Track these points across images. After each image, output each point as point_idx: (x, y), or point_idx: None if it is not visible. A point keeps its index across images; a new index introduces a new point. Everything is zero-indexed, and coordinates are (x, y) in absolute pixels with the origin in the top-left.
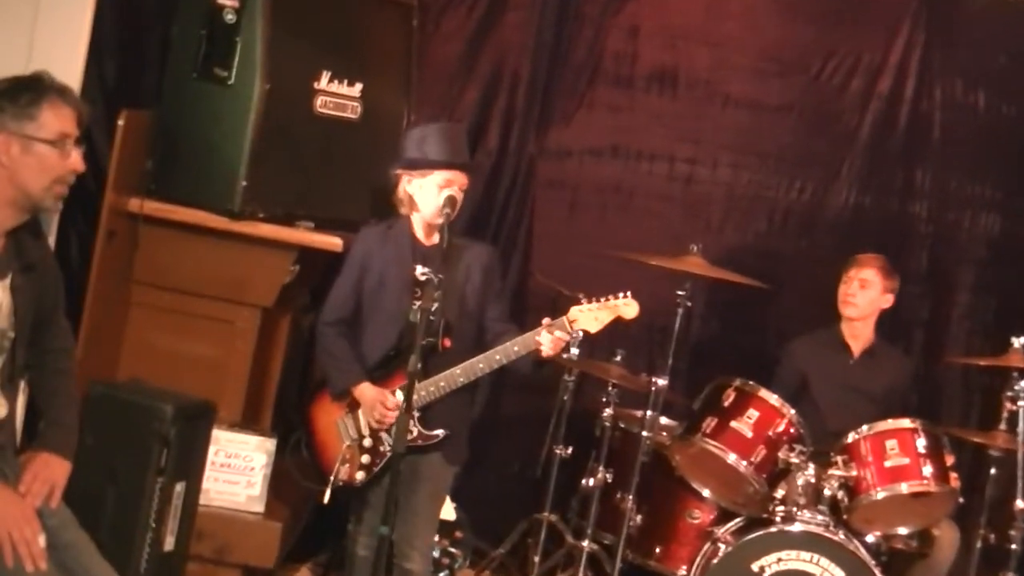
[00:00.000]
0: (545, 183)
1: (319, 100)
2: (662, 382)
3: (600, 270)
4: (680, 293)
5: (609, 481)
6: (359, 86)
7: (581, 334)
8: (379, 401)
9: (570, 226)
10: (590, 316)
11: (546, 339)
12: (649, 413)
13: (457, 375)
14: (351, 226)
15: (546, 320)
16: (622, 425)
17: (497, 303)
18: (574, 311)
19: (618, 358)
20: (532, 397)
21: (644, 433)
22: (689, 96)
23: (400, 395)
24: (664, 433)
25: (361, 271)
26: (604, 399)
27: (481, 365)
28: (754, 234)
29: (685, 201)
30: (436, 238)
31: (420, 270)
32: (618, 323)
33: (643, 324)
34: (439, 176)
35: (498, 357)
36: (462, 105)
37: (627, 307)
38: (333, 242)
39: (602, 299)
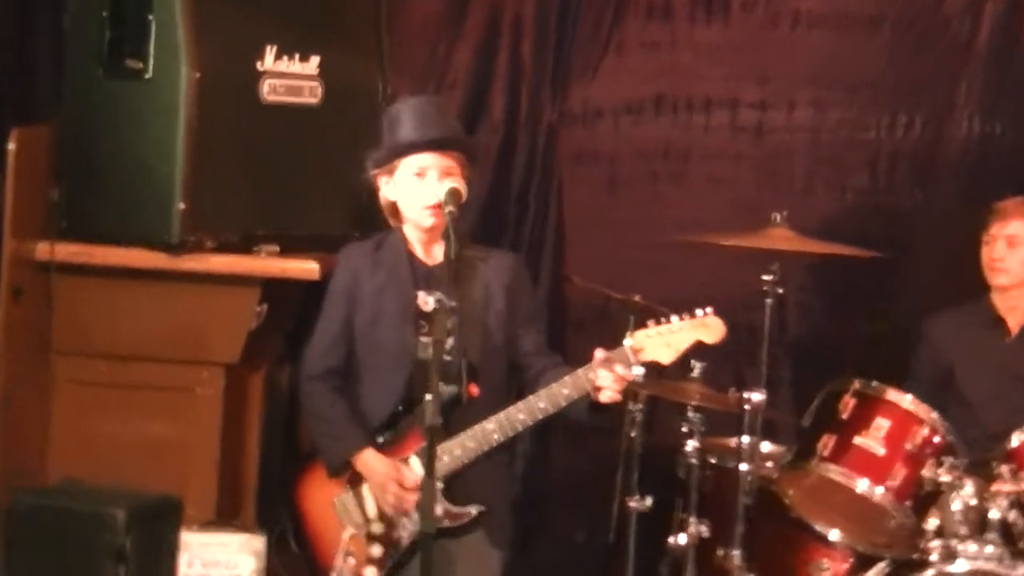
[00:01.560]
0: (573, 157)
1: (266, 85)
2: (757, 397)
3: (657, 262)
4: (766, 278)
5: (705, 535)
6: (315, 60)
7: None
8: (391, 479)
9: (611, 210)
10: (660, 343)
11: (605, 378)
12: (746, 439)
13: (491, 431)
14: (329, 244)
15: (600, 352)
16: (713, 460)
17: (531, 330)
18: (639, 337)
19: (696, 373)
20: (590, 439)
21: (743, 467)
22: (747, 19)
23: (417, 464)
24: (769, 463)
25: (349, 304)
26: (685, 428)
27: (522, 416)
28: (854, 190)
29: (757, 158)
30: (440, 252)
31: (424, 297)
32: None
33: (723, 321)
34: (411, 163)
35: (542, 405)
36: (452, 69)
37: (709, 328)
38: (307, 268)
39: (674, 319)
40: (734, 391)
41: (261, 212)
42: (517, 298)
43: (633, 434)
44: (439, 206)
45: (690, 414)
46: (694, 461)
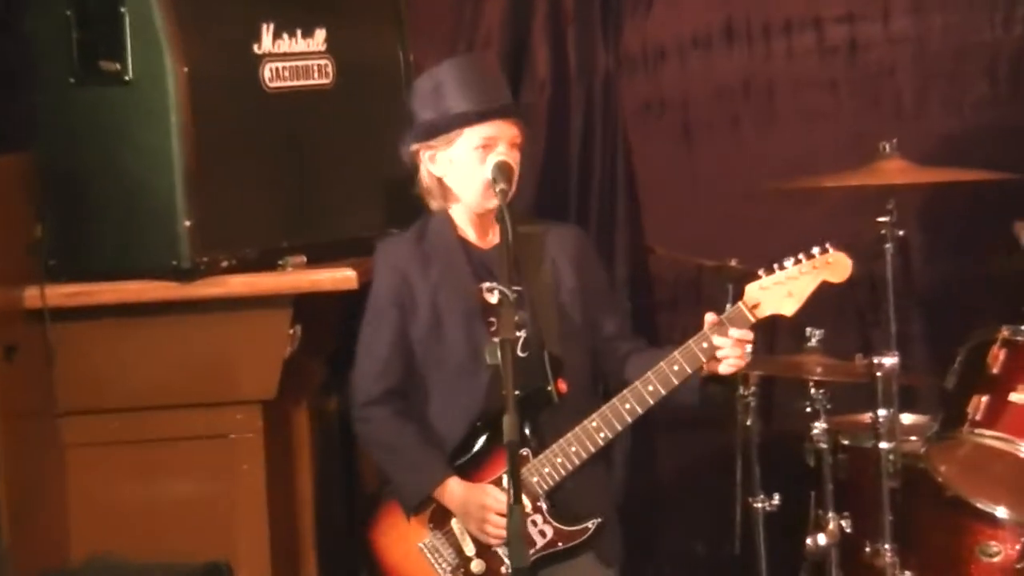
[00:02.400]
0: (638, 108)
1: (267, 70)
2: (889, 361)
3: (750, 218)
4: (883, 220)
5: (848, 531)
6: (321, 34)
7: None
8: (479, 504)
9: (690, 163)
10: (779, 293)
11: (724, 343)
12: (883, 413)
13: (596, 430)
14: (364, 247)
15: (711, 317)
16: (846, 442)
17: (611, 309)
18: (753, 290)
19: (813, 342)
20: (697, 434)
21: (883, 445)
22: None
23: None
24: (913, 438)
25: (400, 312)
26: (808, 409)
27: (628, 406)
28: (972, 105)
29: (854, 82)
30: (496, 233)
31: (489, 287)
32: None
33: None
34: (472, 136)
35: (651, 389)
36: (483, 25)
37: (833, 266)
38: (343, 277)
39: (790, 262)
40: (861, 357)
41: (280, 219)
42: (588, 273)
43: (748, 423)
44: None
45: (812, 391)
46: (824, 446)
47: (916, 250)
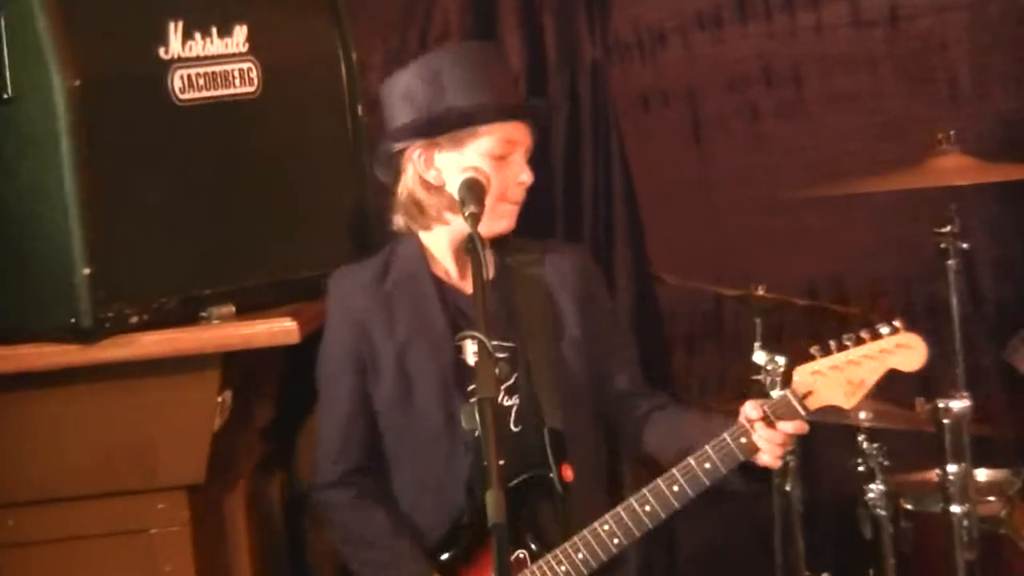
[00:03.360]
0: (634, 102)
1: (178, 78)
2: (958, 405)
3: (778, 232)
4: (942, 230)
5: None
6: (242, 32)
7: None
8: None
9: (701, 167)
10: (838, 381)
11: (770, 440)
12: (952, 469)
13: (607, 536)
14: (305, 290)
15: (753, 407)
16: (909, 505)
17: (622, 358)
18: (804, 375)
19: None
20: (726, 500)
21: (954, 508)
22: None
23: None
24: (991, 498)
25: (358, 375)
26: (861, 466)
27: (649, 508)
28: None
29: (898, 59)
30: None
31: (471, 346)
32: None
33: (889, 302)
34: (489, 138)
35: (677, 489)
36: (440, 11)
37: (906, 350)
38: (282, 329)
39: (852, 341)
40: (923, 401)
41: (202, 261)
42: (595, 312)
43: (788, 487)
44: (518, 203)
45: (865, 445)
46: (882, 512)
47: (984, 265)
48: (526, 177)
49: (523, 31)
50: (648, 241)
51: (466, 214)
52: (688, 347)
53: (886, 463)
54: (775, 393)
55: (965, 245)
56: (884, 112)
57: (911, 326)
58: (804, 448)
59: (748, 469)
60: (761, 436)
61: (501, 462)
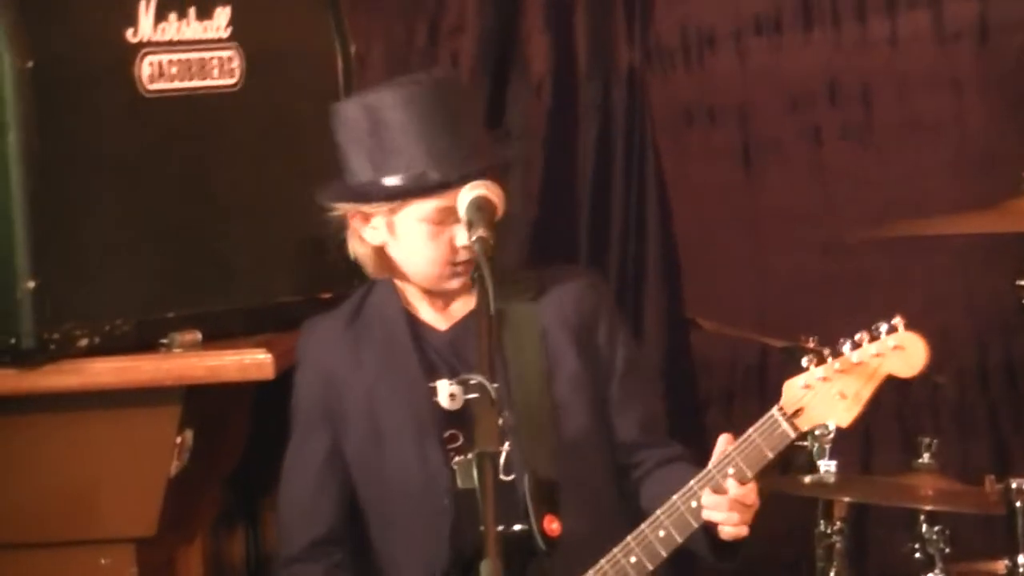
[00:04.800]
0: (674, 118)
1: (147, 65)
2: None
3: (837, 276)
4: (1023, 283)
5: None
6: (224, 14)
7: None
8: None
9: (750, 197)
10: (830, 394)
11: (710, 503)
12: None
13: None
14: (283, 318)
15: (724, 440)
16: None
17: (629, 398)
18: (793, 388)
19: (926, 457)
20: None
21: None
22: None
23: None
24: None
25: (328, 429)
26: (919, 552)
27: (634, 560)
28: None
29: (987, 81)
30: (461, 307)
31: (446, 388)
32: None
33: (959, 363)
34: (423, 207)
35: (662, 534)
36: (452, 4)
37: (902, 352)
38: (253, 362)
39: (847, 346)
40: (993, 480)
41: (165, 279)
42: (598, 346)
43: (833, 573)
44: (468, 261)
45: (924, 528)
46: None
47: None
48: (463, 240)
49: (550, 30)
50: (684, 282)
51: (473, 238)
52: (725, 403)
53: (947, 550)
54: (832, 426)
55: None
56: (967, 143)
57: (984, 393)
58: (855, 528)
59: (719, 552)
60: (707, 504)
61: (501, 527)
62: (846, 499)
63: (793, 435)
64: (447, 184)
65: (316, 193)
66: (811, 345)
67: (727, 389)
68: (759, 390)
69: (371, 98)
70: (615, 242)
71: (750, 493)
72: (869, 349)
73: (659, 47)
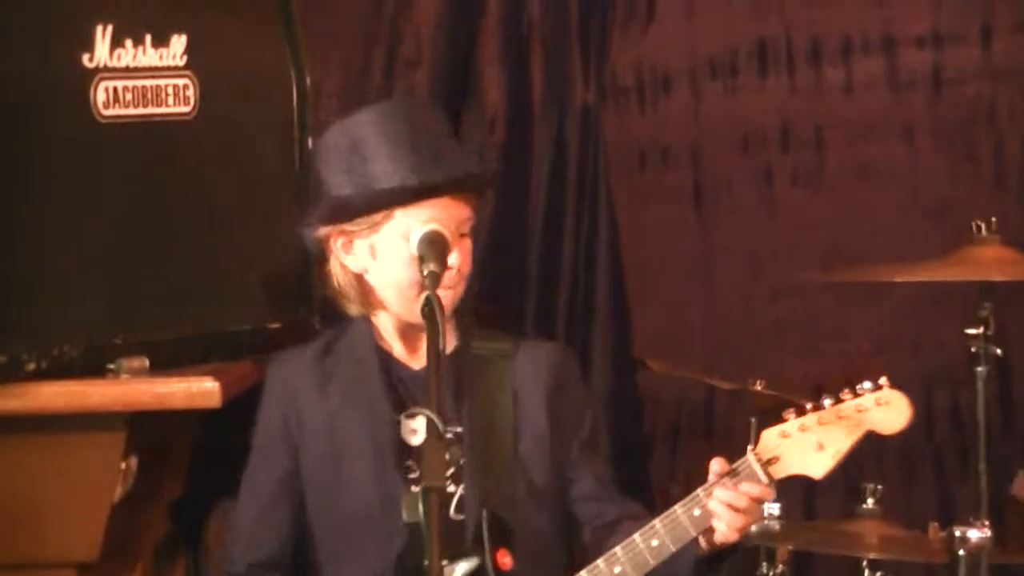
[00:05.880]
0: (627, 158)
1: (102, 91)
2: (977, 535)
3: (786, 320)
4: (973, 332)
5: None
6: (180, 42)
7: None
8: None
9: (702, 239)
10: (806, 444)
11: (722, 510)
12: None
13: None
14: (233, 347)
15: (716, 466)
16: None
17: (589, 461)
18: (770, 438)
19: (870, 503)
20: None
21: None
22: None
23: None
24: None
25: (286, 453)
26: None
27: (619, 570)
28: None
29: (938, 129)
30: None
31: (410, 423)
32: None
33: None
34: (406, 219)
35: (618, 570)
36: (410, 34)
37: (887, 410)
38: (201, 390)
39: (825, 403)
40: (937, 528)
41: (114, 304)
42: (566, 412)
43: None
44: (456, 283)
45: (866, 574)
46: None
47: (1021, 375)
48: (454, 261)
49: (505, 62)
50: (633, 321)
51: (425, 272)
52: (671, 444)
53: None
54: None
55: (999, 351)
56: (918, 190)
57: (930, 441)
58: (795, 572)
59: (707, 564)
60: (719, 498)
61: (445, 562)
62: (788, 546)
63: (766, 481)
64: (428, 190)
65: (296, 222)
66: (758, 388)
67: (673, 427)
68: (705, 430)
69: (349, 120)
70: (565, 277)
71: (753, 491)
72: (852, 404)
73: (614, 85)
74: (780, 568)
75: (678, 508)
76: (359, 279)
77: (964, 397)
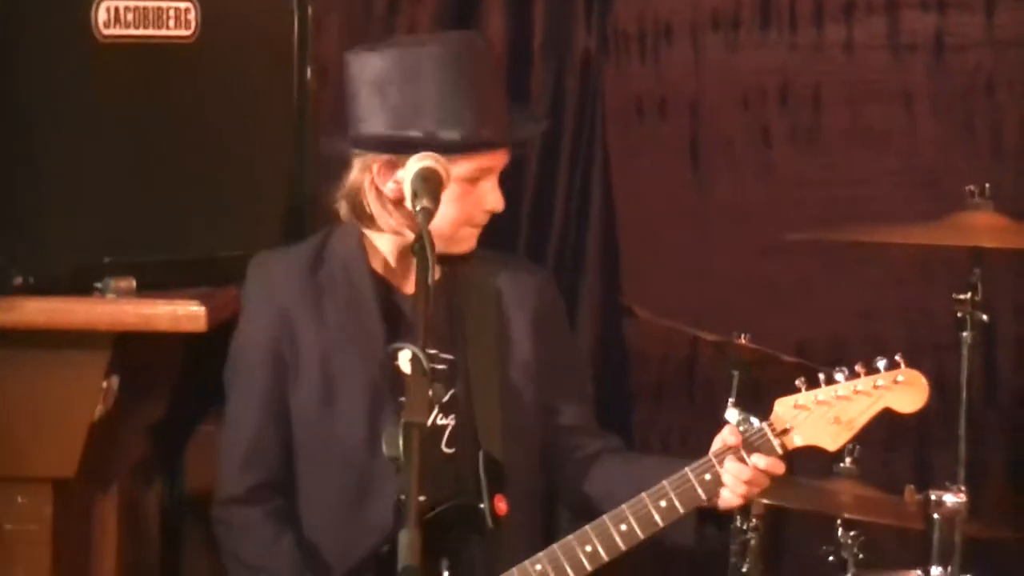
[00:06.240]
0: (625, 108)
1: (103, 10)
2: (952, 500)
3: (775, 277)
4: (961, 297)
5: None
6: None
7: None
8: None
9: (696, 192)
10: (823, 418)
11: (736, 475)
12: (936, 572)
13: None
14: (220, 273)
15: (730, 433)
16: None
17: (574, 393)
18: (785, 408)
19: (848, 462)
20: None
21: None
22: None
23: None
24: None
25: (277, 371)
26: (832, 556)
27: (590, 548)
28: None
29: (938, 96)
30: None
31: (403, 351)
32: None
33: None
34: (463, 167)
35: (625, 528)
36: None
37: (905, 388)
38: (187, 313)
39: (842, 375)
40: (913, 491)
41: (104, 225)
42: (551, 340)
43: (745, 569)
44: (480, 226)
45: (840, 533)
46: None
47: (1006, 346)
48: (496, 205)
49: (508, 6)
50: (623, 270)
51: (417, 208)
52: (655, 395)
53: (861, 556)
54: (734, 413)
55: (985, 317)
56: (914, 155)
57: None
58: (770, 529)
59: (710, 520)
60: (728, 470)
61: (422, 497)
62: (762, 500)
63: (781, 452)
64: (492, 144)
65: (333, 138)
66: (742, 342)
67: (656, 381)
68: (687, 384)
69: (400, 51)
70: (557, 227)
71: (773, 466)
72: (870, 380)
73: (616, 33)
74: (754, 523)
75: (689, 472)
76: (394, 206)
77: (948, 363)
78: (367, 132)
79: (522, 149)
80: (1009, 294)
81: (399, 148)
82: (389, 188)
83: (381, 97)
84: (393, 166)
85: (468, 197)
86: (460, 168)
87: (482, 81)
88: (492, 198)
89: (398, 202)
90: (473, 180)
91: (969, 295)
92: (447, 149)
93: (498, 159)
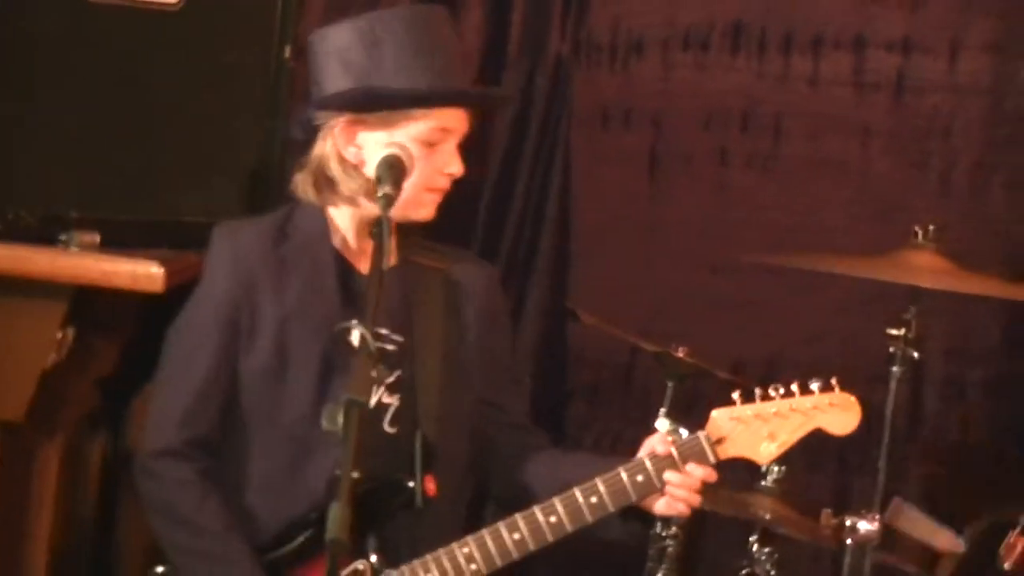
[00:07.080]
0: (591, 115)
1: None
2: (866, 527)
3: (719, 295)
4: (895, 332)
5: None
6: None
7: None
8: None
9: (651, 205)
10: (757, 432)
11: (679, 484)
12: None
13: (465, 560)
14: (183, 236)
15: (659, 441)
16: None
17: (513, 389)
18: (721, 419)
19: (770, 479)
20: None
21: None
22: None
23: None
24: None
25: (231, 334)
26: (745, 570)
27: (518, 536)
28: None
29: (896, 135)
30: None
31: (356, 328)
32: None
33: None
34: (426, 123)
35: (554, 520)
36: None
37: (838, 411)
38: (146, 273)
39: (779, 392)
40: (830, 514)
41: (74, 179)
42: (494, 334)
43: (661, 575)
44: (440, 191)
45: (755, 547)
46: None
47: (933, 384)
48: (455, 169)
49: (488, 3)
50: (572, 277)
51: (379, 194)
52: (589, 397)
53: (773, 572)
54: (682, 434)
55: (916, 355)
56: (867, 189)
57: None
58: (689, 535)
59: (638, 518)
60: (670, 480)
61: (356, 474)
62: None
63: (713, 460)
64: (459, 96)
65: (305, 104)
66: (680, 355)
67: (592, 384)
68: (622, 390)
69: (361, 21)
70: (512, 225)
71: (707, 475)
72: (807, 400)
73: (589, 41)
74: (674, 530)
75: (622, 472)
76: (354, 171)
77: (878, 395)
78: (327, 93)
79: (495, 111)
80: (942, 335)
81: (359, 101)
82: (351, 152)
83: (343, 64)
84: (354, 126)
85: (428, 160)
86: (419, 126)
87: (442, 44)
88: (452, 161)
89: (357, 167)
90: (432, 143)
91: (903, 331)
92: (408, 103)
93: (458, 120)
